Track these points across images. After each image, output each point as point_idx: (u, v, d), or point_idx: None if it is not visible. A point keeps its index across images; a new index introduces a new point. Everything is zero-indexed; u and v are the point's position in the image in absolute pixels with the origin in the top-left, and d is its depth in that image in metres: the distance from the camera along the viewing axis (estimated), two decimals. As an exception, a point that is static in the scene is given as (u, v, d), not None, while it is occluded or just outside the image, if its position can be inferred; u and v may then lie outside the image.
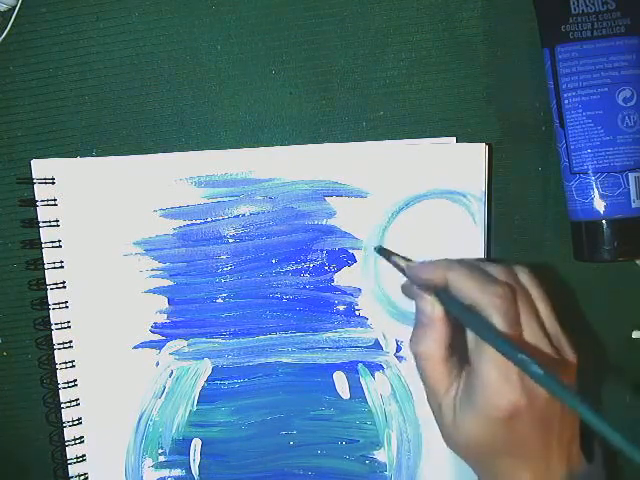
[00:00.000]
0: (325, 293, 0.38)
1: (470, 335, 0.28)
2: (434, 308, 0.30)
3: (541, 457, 0.30)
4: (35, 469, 0.40)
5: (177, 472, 0.39)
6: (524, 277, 0.31)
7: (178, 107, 0.39)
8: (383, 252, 0.36)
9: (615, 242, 0.36)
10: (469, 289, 0.29)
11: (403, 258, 0.34)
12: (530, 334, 0.29)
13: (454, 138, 0.38)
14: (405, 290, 0.35)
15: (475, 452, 0.30)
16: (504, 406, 0.27)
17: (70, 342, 0.38)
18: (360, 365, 0.39)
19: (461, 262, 0.31)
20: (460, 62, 0.39)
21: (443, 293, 0.30)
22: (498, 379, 0.27)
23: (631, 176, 0.36)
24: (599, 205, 0.37)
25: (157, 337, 0.38)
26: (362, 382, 0.39)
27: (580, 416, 0.22)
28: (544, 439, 0.29)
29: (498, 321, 0.27)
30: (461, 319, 0.29)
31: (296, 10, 0.38)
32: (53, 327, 0.37)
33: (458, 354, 0.30)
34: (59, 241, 0.37)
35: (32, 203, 0.37)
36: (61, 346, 0.38)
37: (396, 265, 0.34)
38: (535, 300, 0.30)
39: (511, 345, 0.25)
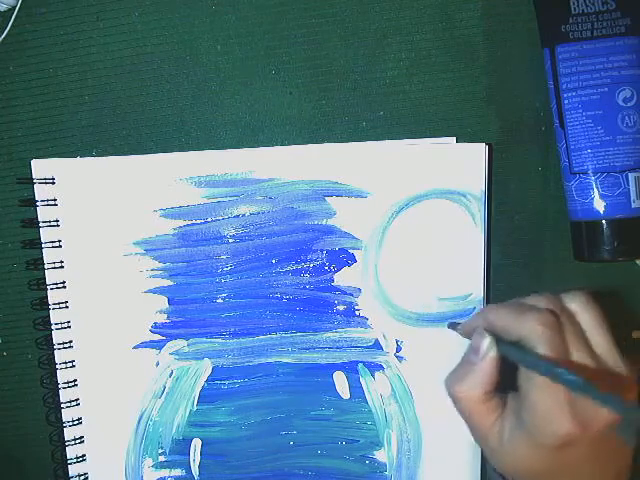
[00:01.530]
0: (325, 293, 0.38)
1: (521, 368, 0.28)
2: (491, 348, 0.29)
3: None
4: (35, 469, 0.40)
5: (177, 472, 0.39)
6: (573, 303, 0.30)
7: (178, 107, 0.39)
8: (452, 326, 0.37)
9: (615, 242, 0.36)
10: (509, 324, 0.29)
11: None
12: (579, 359, 0.28)
13: (454, 138, 0.38)
14: (462, 331, 0.35)
15: (524, 477, 0.30)
16: (557, 434, 0.27)
17: (70, 342, 0.38)
18: (360, 365, 0.39)
19: (500, 303, 0.31)
20: (460, 62, 0.39)
21: (491, 334, 0.30)
22: (551, 408, 0.27)
23: (631, 176, 0.36)
24: (599, 205, 0.37)
25: (157, 337, 0.38)
26: (362, 382, 0.39)
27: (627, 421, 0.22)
28: (595, 468, 0.29)
29: (543, 349, 0.27)
30: (508, 355, 0.28)
31: (296, 10, 0.38)
32: (53, 327, 0.37)
33: (498, 394, 0.30)
34: (59, 241, 0.37)
35: (32, 203, 0.37)
36: (61, 346, 0.38)
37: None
38: (586, 325, 0.29)
39: (563, 370, 0.25)
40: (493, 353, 0.29)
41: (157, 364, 0.38)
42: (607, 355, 0.29)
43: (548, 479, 0.29)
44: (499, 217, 0.40)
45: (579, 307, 0.30)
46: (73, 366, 0.38)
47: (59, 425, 0.38)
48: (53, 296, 0.37)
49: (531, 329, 0.28)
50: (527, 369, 0.27)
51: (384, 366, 0.39)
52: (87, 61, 0.38)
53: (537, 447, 0.28)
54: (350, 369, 0.39)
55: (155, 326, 0.38)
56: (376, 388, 0.39)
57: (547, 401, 0.27)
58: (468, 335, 0.32)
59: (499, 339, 0.29)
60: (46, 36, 0.38)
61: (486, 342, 0.29)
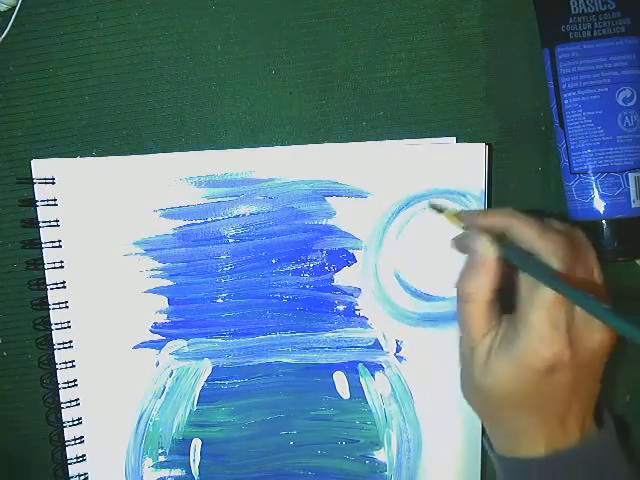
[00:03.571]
0: (325, 293, 0.38)
1: (523, 281, 0.29)
2: (489, 249, 0.30)
3: (560, 418, 0.30)
4: (35, 469, 0.40)
5: (177, 472, 0.39)
6: (578, 233, 0.32)
7: (178, 107, 0.39)
8: (434, 207, 0.37)
9: (615, 242, 0.36)
10: (529, 235, 0.30)
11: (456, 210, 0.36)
12: (581, 280, 0.29)
13: (454, 138, 0.38)
14: (457, 242, 0.35)
15: (497, 402, 0.30)
16: (547, 355, 0.28)
17: (70, 342, 0.38)
18: (360, 365, 0.39)
19: (521, 213, 0.32)
20: (460, 62, 0.39)
21: (501, 238, 0.30)
22: (547, 326, 0.27)
23: (631, 176, 0.36)
24: (599, 205, 0.37)
25: (157, 337, 0.38)
26: (362, 382, 0.39)
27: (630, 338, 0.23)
28: (568, 399, 0.30)
29: (557, 266, 0.28)
30: (518, 263, 0.29)
31: (296, 10, 0.38)
32: (53, 327, 0.37)
33: (499, 303, 0.31)
34: (59, 241, 0.37)
35: (32, 203, 0.37)
36: (61, 346, 0.38)
37: (452, 217, 0.35)
38: (586, 252, 0.31)
39: (571, 285, 0.26)
40: (493, 253, 0.30)
41: (157, 364, 0.38)
42: (596, 276, 0.31)
43: (521, 402, 0.30)
44: (499, 217, 0.40)
45: (580, 237, 0.31)
46: (73, 366, 0.38)
47: (59, 425, 0.38)
48: (53, 296, 0.37)
49: (549, 246, 0.29)
50: (533, 277, 0.28)
51: (384, 366, 0.39)
52: (87, 61, 0.38)
53: (522, 367, 0.28)
54: (350, 369, 0.39)
55: (155, 326, 0.38)
56: (376, 388, 0.39)
57: (545, 319, 0.28)
58: (469, 226, 0.33)
59: (509, 243, 0.30)
60: (46, 36, 0.38)
61: (485, 244, 0.30)
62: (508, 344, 0.29)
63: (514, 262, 0.30)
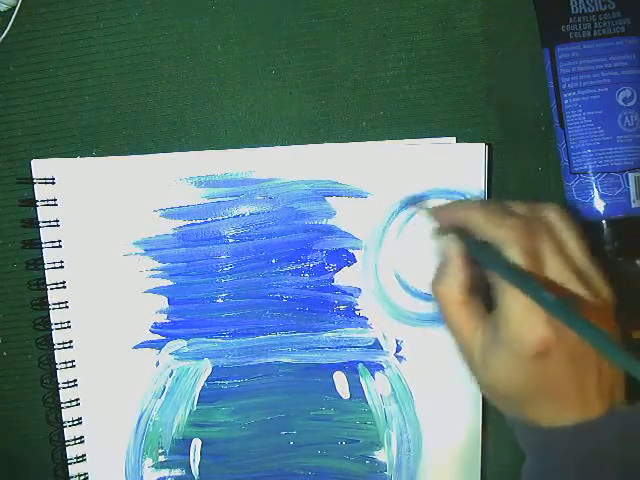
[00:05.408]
0: (325, 293, 0.38)
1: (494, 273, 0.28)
2: (451, 246, 0.30)
3: (579, 399, 0.28)
4: (35, 469, 0.40)
5: (177, 472, 0.39)
6: (550, 212, 0.30)
7: (178, 107, 0.39)
8: (414, 204, 0.37)
9: (615, 242, 0.36)
10: (485, 225, 0.29)
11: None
12: (554, 269, 0.27)
13: (454, 138, 0.38)
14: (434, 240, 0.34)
15: (506, 393, 0.29)
16: (532, 342, 0.26)
17: (70, 342, 0.38)
18: (360, 365, 0.39)
19: (482, 202, 0.31)
20: (460, 62, 0.39)
21: (461, 232, 0.30)
22: (523, 313, 0.26)
23: (631, 176, 0.36)
24: (599, 205, 0.37)
25: (157, 337, 0.38)
26: (362, 382, 0.39)
27: (594, 346, 0.22)
28: (579, 379, 0.28)
29: (513, 254, 0.27)
30: (476, 255, 0.29)
31: (296, 10, 0.38)
32: (53, 327, 0.37)
33: (482, 296, 0.30)
34: (59, 241, 0.37)
35: (32, 203, 0.37)
36: (61, 346, 0.38)
37: (424, 213, 0.35)
38: (561, 232, 0.29)
39: (520, 274, 0.25)
40: (455, 250, 0.30)
41: (157, 364, 0.38)
42: (582, 263, 0.29)
43: (528, 395, 0.29)
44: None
45: (555, 216, 0.30)
46: (73, 366, 0.38)
47: (59, 425, 0.38)
48: (53, 296, 0.37)
49: (504, 233, 0.27)
50: (496, 274, 0.27)
51: (384, 366, 0.39)
52: (87, 61, 0.38)
53: (515, 358, 0.27)
54: (350, 369, 0.39)
55: (155, 326, 0.38)
56: (376, 388, 0.39)
57: (518, 305, 0.26)
58: (440, 222, 0.33)
59: (468, 236, 0.29)
60: (46, 36, 0.38)
61: (447, 240, 0.30)
62: (496, 339, 0.28)
63: (473, 254, 0.29)
